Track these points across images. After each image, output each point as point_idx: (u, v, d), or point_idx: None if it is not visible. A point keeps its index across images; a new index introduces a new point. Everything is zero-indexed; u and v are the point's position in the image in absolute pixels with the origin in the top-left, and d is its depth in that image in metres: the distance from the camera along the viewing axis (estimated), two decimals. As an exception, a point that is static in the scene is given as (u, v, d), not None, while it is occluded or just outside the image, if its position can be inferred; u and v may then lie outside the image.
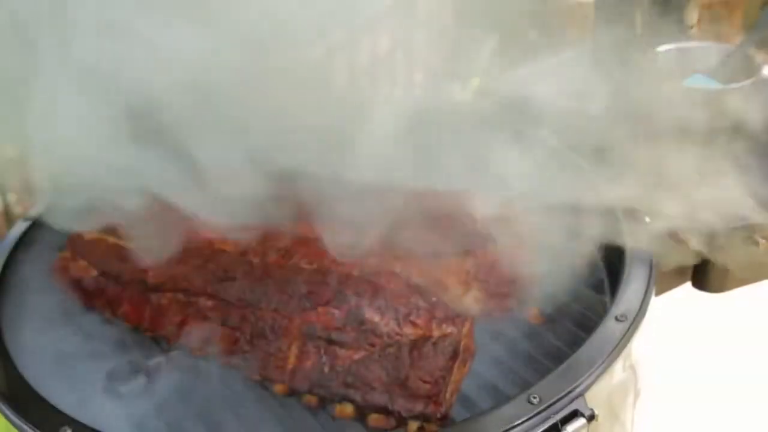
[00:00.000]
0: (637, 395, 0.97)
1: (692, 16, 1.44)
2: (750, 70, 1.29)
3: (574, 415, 0.78)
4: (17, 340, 0.94)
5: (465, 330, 0.84)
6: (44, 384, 0.87)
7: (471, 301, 0.96)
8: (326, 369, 0.85)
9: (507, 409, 0.78)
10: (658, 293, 1.08)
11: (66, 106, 0.84)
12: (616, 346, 0.85)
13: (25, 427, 0.81)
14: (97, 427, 0.80)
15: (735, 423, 1.61)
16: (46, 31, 0.84)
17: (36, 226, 1.12)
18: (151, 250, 0.95)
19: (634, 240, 1.00)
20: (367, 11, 1.09)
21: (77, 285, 1.02)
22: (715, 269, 1.13)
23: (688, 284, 1.17)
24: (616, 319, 0.88)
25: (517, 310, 0.97)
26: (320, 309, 0.87)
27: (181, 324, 0.94)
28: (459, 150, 1.13)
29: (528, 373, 0.91)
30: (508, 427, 0.76)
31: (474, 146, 1.13)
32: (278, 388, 0.88)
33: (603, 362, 0.83)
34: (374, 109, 1.00)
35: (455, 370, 0.83)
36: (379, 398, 0.82)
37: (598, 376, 0.82)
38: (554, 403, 0.78)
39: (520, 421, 0.77)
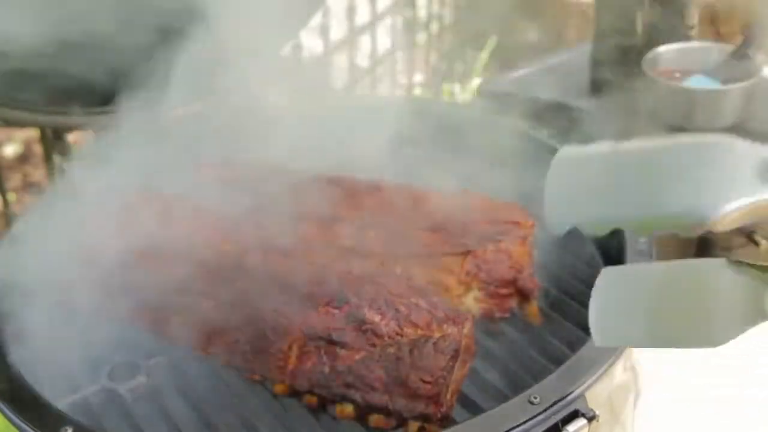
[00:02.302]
0: (637, 395, 0.97)
1: (692, 16, 1.44)
2: (750, 70, 1.29)
3: (575, 415, 0.78)
4: (17, 341, 0.94)
5: (465, 330, 0.84)
6: (44, 384, 0.87)
7: (471, 301, 0.96)
8: (327, 369, 0.84)
9: (508, 410, 0.78)
10: (658, 293, 1.07)
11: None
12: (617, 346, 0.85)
13: (25, 427, 0.81)
14: (97, 427, 0.80)
15: (735, 423, 1.61)
16: None
17: (35, 225, 1.11)
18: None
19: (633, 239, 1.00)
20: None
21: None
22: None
23: (689, 284, 1.17)
24: (617, 319, 0.88)
25: (517, 310, 0.97)
26: (321, 309, 0.87)
27: (182, 324, 0.94)
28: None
29: (528, 373, 0.91)
30: (508, 427, 0.76)
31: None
32: (278, 388, 0.88)
33: (604, 363, 0.83)
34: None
35: (456, 370, 0.83)
36: (379, 398, 0.82)
37: (598, 377, 0.81)
38: (555, 403, 0.78)
39: (520, 422, 0.77)
